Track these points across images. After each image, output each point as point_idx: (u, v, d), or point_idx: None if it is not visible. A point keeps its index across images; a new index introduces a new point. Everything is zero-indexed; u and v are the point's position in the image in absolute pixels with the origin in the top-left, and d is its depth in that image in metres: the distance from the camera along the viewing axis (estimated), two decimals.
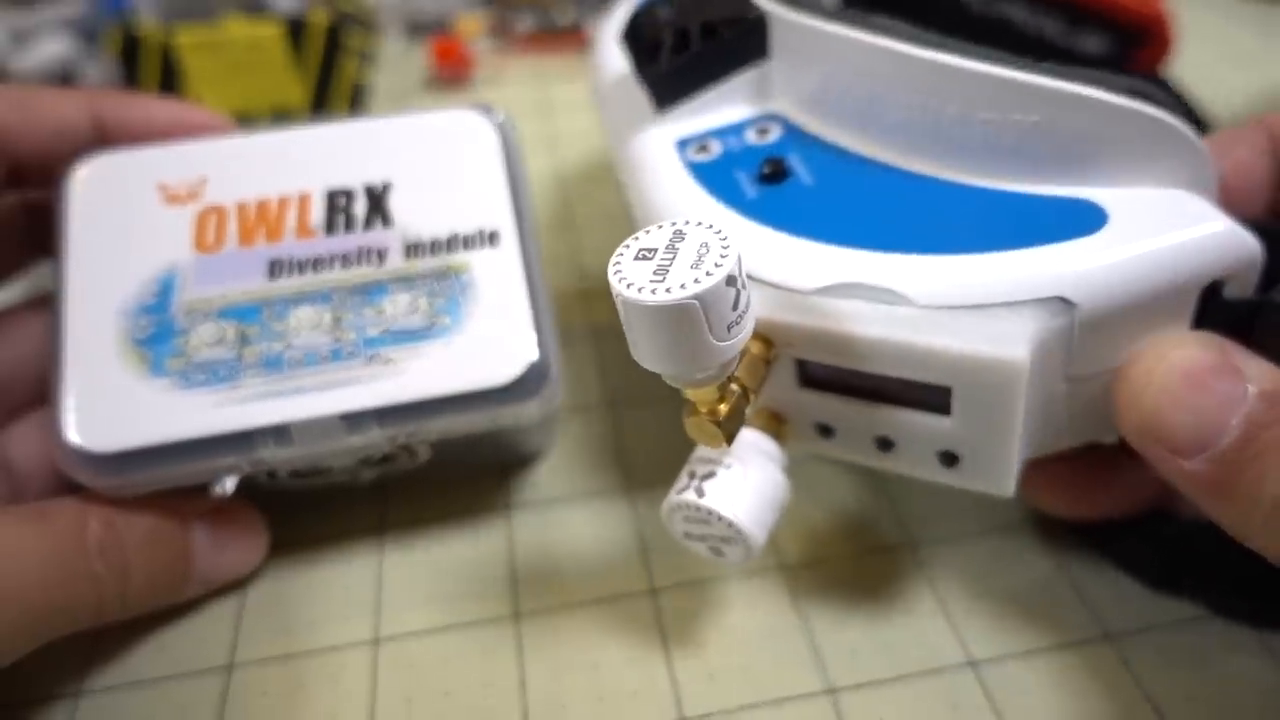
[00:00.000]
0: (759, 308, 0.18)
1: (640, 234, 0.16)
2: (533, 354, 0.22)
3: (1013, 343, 0.17)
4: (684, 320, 0.15)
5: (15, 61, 0.48)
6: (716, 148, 0.22)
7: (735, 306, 0.16)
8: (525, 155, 0.25)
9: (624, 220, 0.38)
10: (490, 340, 0.22)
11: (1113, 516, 0.23)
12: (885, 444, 0.19)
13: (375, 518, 0.26)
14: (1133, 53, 0.33)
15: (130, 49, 0.44)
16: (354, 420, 0.21)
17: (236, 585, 0.24)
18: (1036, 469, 0.22)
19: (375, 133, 0.24)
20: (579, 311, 0.33)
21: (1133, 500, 0.22)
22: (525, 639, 0.23)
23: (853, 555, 0.24)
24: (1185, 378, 0.17)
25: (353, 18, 0.47)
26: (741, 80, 0.23)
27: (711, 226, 0.16)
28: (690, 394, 0.17)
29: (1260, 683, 0.21)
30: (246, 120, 0.44)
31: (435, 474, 0.25)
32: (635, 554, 0.24)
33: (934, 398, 0.18)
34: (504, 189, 0.24)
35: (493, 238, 0.23)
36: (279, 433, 0.21)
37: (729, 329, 0.16)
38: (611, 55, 0.25)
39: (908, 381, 0.18)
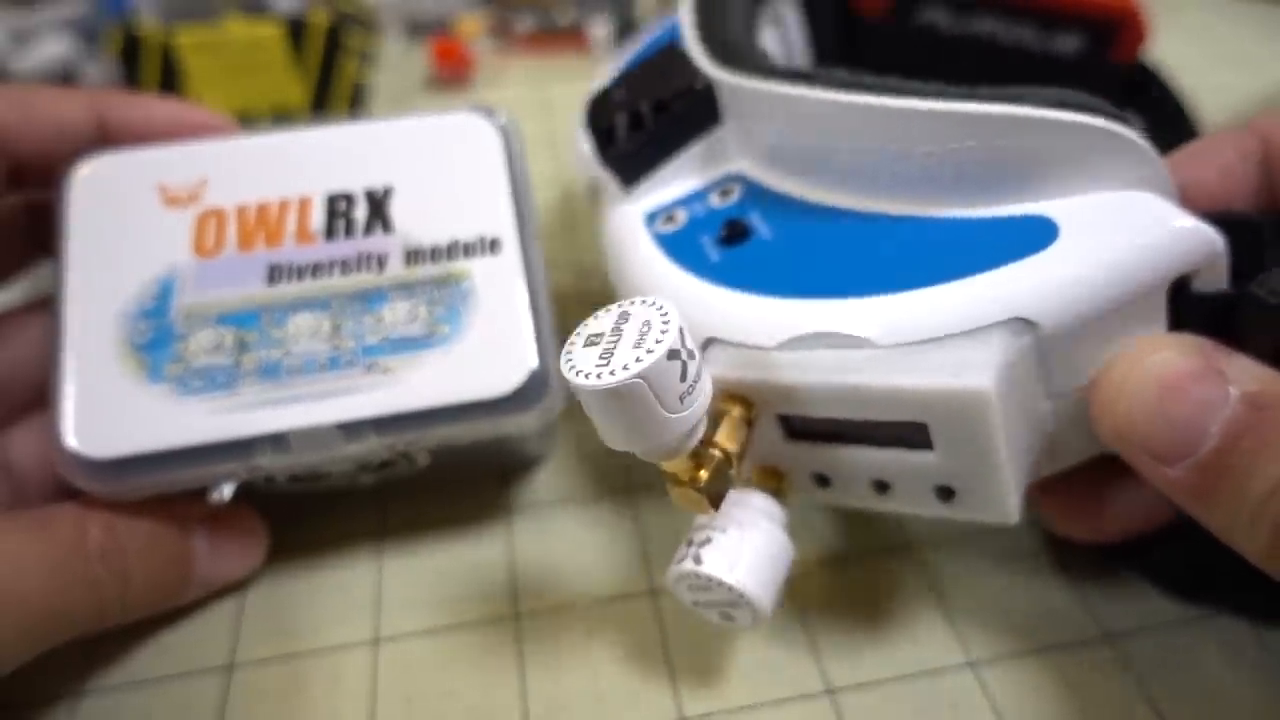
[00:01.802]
0: (730, 370, 0.19)
1: (589, 320, 0.17)
2: (533, 364, 0.22)
3: (976, 371, 0.16)
4: (632, 400, 0.16)
5: (15, 62, 0.48)
6: (682, 216, 0.23)
7: (684, 378, 0.16)
8: (526, 156, 0.25)
9: None
10: (490, 349, 0.22)
11: (1134, 535, 0.22)
12: (881, 486, 0.19)
13: (375, 520, 0.26)
14: (1109, 45, 0.33)
15: (130, 49, 0.44)
16: (352, 429, 0.21)
17: (236, 587, 0.24)
18: (1052, 497, 0.22)
19: (377, 135, 0.24)
20: (579, 313, 0.33)
21: (1153, 516, 0.22)
22: (525, 640, 0.23)
23: (853, 555, 0.24)
24: (1160, 384, 0.17)
25: (353, 18, 0.47)
26: (700, 147, 0.24)
27: (654, 304, 0.16)
28: (666, 467, 0.18)
29: (1260, 683, 0.21)
30: (247, 120, 0.44)
31: (435, 478, 0.25)
32: (635, 555, 0.24)
33: (915, 435, 0.18)
34: (506, 194, 0.24)
35: (494, 245, 0.23)
36: (277, 441, 0.21)
37: (681, 400, 0.16)
38: (584, 140, 0.26)
39: (886, 425, 0.18)
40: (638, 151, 0.24)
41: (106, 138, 0.24)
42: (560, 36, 0.53)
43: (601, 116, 0.25)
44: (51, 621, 0.20)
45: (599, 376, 0.15)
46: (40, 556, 0.20)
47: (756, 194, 0.22)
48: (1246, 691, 0.21)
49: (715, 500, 0.18)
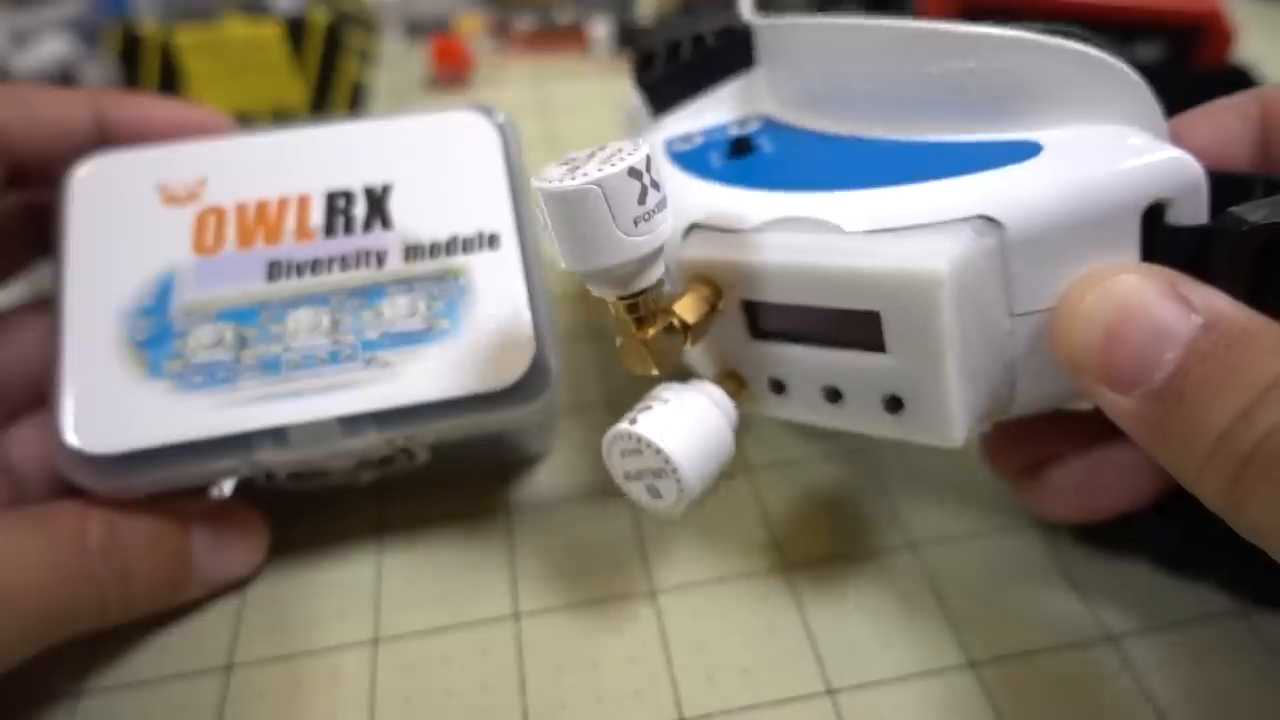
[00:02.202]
0: (705, 250, 0.20)
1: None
2: (532, 358, 0.22)
3: (932, 257, 0.16)
4: (586, 207, 0.16)
5: (15, 61, 0.48)
6: (699, 139, 0.24)
7: (642, 201, 0.17)
8: (525, 155, 0.25)
9: None
10: (489, 344, 0.22)
11: (1123, 513, 0.22)
12: (834, 395, 0.19)
13: (374, 518, 0.26)
14: (1192, 50, 0.33)
15: (130, 49, 0.44)
16: (351, 423, 0.21)
17: (236, 585, 0.24)
18: (1038, 482, 0.22)
19: (376, 133, 0.24)
20: (579, 312, 0.33)
21: (1142, 494, 0.22)
22: (525, 639, 0.23)
23: (853, 555, 0.24)
24: (1118, 306, 0.16)
25: (352, 17, 0.47)
26: (731, 88, 0.24)
27: (631, 140, 0.17)
28: (620, 313, 0.18)
29: (1260, 683, 0.21)
30: (246, 120, 0.44)
31: (435, 476, 0.25)
32: (635, 554, 0.24)
33: (869, 333, 0.18)
34: (505, 191, 0.24)
35: (493, 240, 0.23)
36: (277, 435, 0.21)
37: (636, 223, 0.17)
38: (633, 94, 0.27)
39: (844, 319, 0.18)
40: (669, 80, 0.24)
41: (106, 137, 0.24)
42: (560, 36, 0.53)
43: (646, 45, 0.26)
44: (52, 619, 0.20)
45: (560, 182, 0.16)
46: (41, 553, 0.20)
47: (772, 126, 0.23)
48: (1247, 691, 0.21)
49: (661, 363, 0.18)
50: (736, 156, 0.22)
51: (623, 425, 0.19)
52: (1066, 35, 0.18)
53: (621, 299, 0.18)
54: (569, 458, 0.27)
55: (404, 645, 0.23)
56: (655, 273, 0.18)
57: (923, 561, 0.24)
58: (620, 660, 0.22)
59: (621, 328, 0.19)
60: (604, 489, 0.26)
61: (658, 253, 0.18)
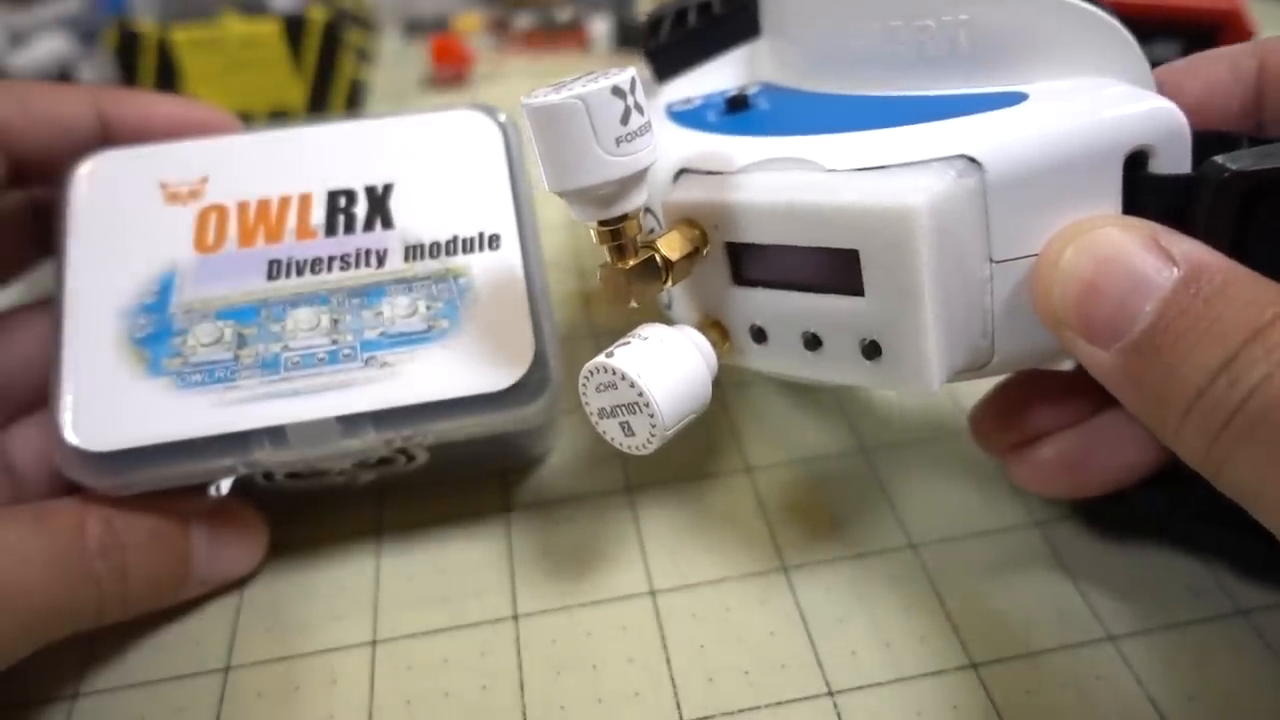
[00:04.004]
0: (692, 192, 0.20)
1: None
2: (532, 359, 0.22)
3: (909, 193, 0.17)
4: (570, 120, 0.16)
5: (12, 60, 0.48)
6: (699, 101, 0.24)
7: (625, 122, 0.17)
8: (525, 154, 0.25)
9: None
10: (489, 345, 0.22)
11: (1115, 488, 0.22)
12: (814, 341, 0.19)
13: (373, 519, 0.26)
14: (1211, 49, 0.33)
15: (128, 47, 0.44)
16: (350, 423, 0.21)
17: (234, 586, 0.24)
18: (1029, 458, 0.22)
19: (378, 132, 0.24)
20: (579, 312, 0.33)
21: (1131, 470, 0.22)
22: (524, 640, 0.22)
23: (852, 555, 0.24)
24: (1097, 257, 0.16)
25: (351, 15, 0.47)
26: (735, 55, 0.25)
27: (624, 68, 0.17)
28: (602, 240, 0.18)
29: (1260, 683, 0.21)
30: (244, 118, 0.44)
31: (434, 476, 0.25)
32: (635, 554, 0.24)
33: (848, 276, 0.18)
34: (506, 191, 0.24)
35: (493, 241, 0.23)
36: (275, 435, 0.21)
37: (618, 143, 0.17)
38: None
39: (824, 260, 0.18)
40: (674, 46, 0.25)
41: (107, 134, 0.24)
42: (559, 34, 0.53)
43: (658, 12, 0.26)
44: (50, 616, 0.20)
45: (545, 97, 0.17)
46: (39, 550, 0.20)
47: (771, 89, 0.23)
48: (1247, 691, 0.21)
49: (640, 295, 0.19)
50: (732, 112, 0.22)
51: (600, 359, 0.18)
52: None
53: (603, 224, 0.18)
54: (569, 458, 0.27)
55: (403, 646, 0.23)
56: (637, 199, 0.18)
57: (923, 561, 0.24)
58: (620, 661, 0.22)
59: (604, 263, 0.19)
60: (604, 489, 0.26)
61: (639, 176, 0.18)
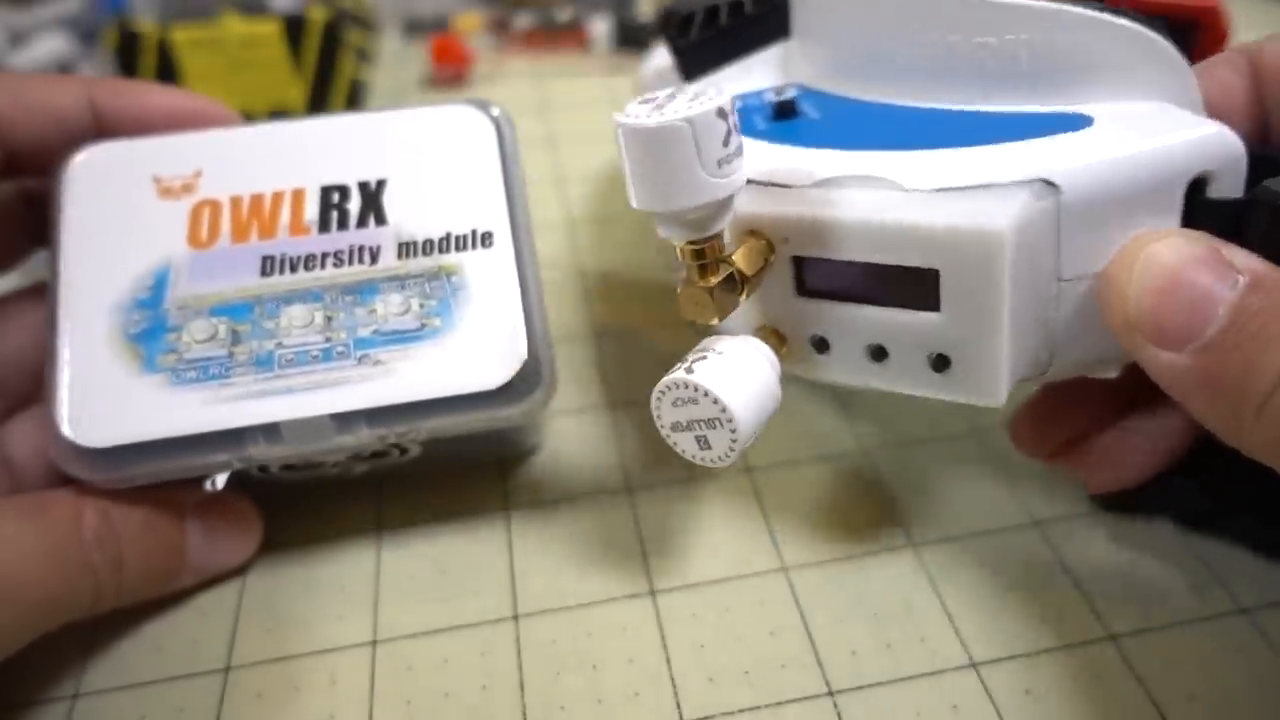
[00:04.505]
0: (760, 205, 0.19)
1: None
2: (524, 357, 0.22)
3: (995, 216, 0.17)
4: (676, 143, 0.16)
5: (13, 60, 0.48)
6: (737, 104, 0.24)
7: (726, 143, 0.17)
8: (523, 154, 0.25)
9: (622, 220, 0.37)
10: (482, 342, 0.22)
11: (1152, 475, 0.23)
12: (879, 353, 0.20)
13: (372, 517, 0.26)
14: (1190, 47, 0.33)
15: (128, 47, 0.44)
16: (344, 421, 0.21)
17: (233, 584, 0.24)
18: (1077, 452, 0.23)
19: (371, 128, 0.24)
20: (579, 312, 0.33)
21: (1168, 455, 0.22)
22: (524, 640, 0.22)
23: (853, 555, 0.24)
24: (1168, 266, 0.17)
25: (351, 15, 0.47)
26: (766, 56, 0.25)
27: (709, 83, 0.17)
28: (686, 258, 0.18)
29: (1261, 683, 0.21)
30: (245, 118, 0.44)
31: (429, 469, 0.25)
32: (635, 554, 0.24)
33: (923, 293, 0.18)
34: (499, 187, 0.24)
35: (486, 238, 0.23)
36: (269, 431, 0.21)
37: (719, 165, 0.17)
38: (660, 53, 0.27)
39: (898, 277, 0.18)
40: (705, 44, 0.24)
41: (102, 126, 0.24)
42: (559, 34, 0.53)
43: (683, 6, 0.25)
44: (48, 607, 0.20)
45: (648, 118, 0.16)
46: (35, 541, 0.20)
47: (811, 93, 0.23)
48: (1247, 691, 0.21)
49: (722, 312, 0.19)
50: (781, 119, 0.22)
51: (678, 374, 0.18)
52: (1118, 13, 0.19)
53: (691, 244, 0.18)
54: (569, 458, 0.27)
55: (403, 646, 0.22)
56: (726, 219, 0.18)
57: (923, 561, 0.24)
58: (620, 661, 0.22)
59: (686, 279, 0.19)
60: (604, 489, 0.26)
61: (732, 198, 0.18)
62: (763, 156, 0.21)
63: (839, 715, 0.20)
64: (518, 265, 0.23)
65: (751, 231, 0.20)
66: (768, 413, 0.19)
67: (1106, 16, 0.19)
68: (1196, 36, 0.34)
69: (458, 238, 0.23)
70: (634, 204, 0.17)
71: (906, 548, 0.24)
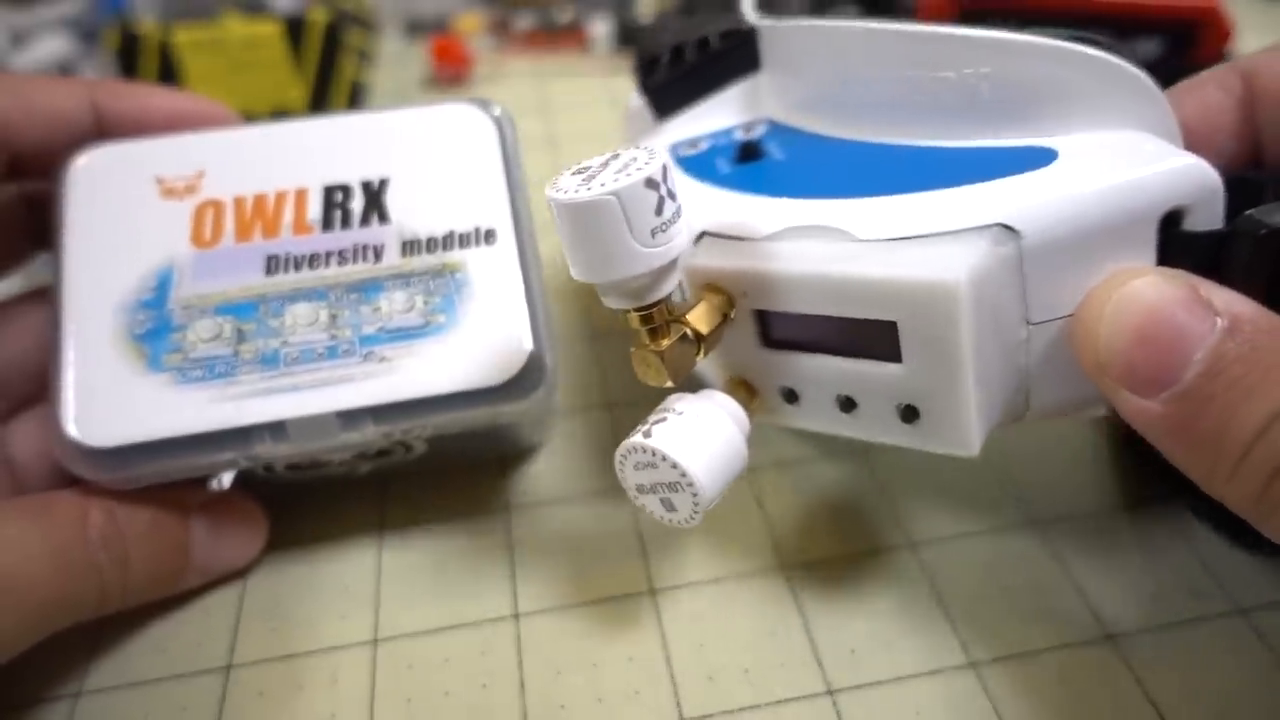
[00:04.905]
0: (717, 259, 0.19)
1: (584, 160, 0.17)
2: (529, 352, 0.22)
3: (949, 267, 0.16)
4: (603, 218, 0.16)
5: (14, 61, 0.48)
6: (705, 144, 0.23)
7: (659, 212, 0.16)
8: (524, 154, 0.25)
9: None
10: (486, 339, 0.22)
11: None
12: (848, 404, 0.19)
13: (374, 516, 0.26)
14: (1191, 47, 0.33)
15: (129, 48, 0.44)
16: (350, 418, 0.21)
17: (235, 583, 0.24)
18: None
19: (373, 126, 0.24)
20: (579, 311, 0.33)
21: None
22: (525, 639, 0.23)
23: (853, 555, 0.24)
24: (1144, 308, 0.16)
25: (352, 16, 0.47)
26: (736, 91, 0.24)
27: (645, 147, 0.17)
28: (633, 324, 0.18)
29: (1260, 683, 0.21)
30: (246, 119, 0.44)
31: (432, 467, 0.25)
32: (635, 554, 0.24)
33: (884, 344, 0.18)
34: (501, 185, 0.24)
35: (489, 236, 0.23)
36: (275, 429, 0.21)
37: (653, 234, 0.16)
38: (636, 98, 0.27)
39: (858, 329, 0.18)
40: (675, 83, 0.24)
41: (103, 127, 0.24)
42: (559, 35, 0.53)
43: (650, 48, 0.25)
44: (54, 607, 0.20)
45: (576, 193, 0.16)
46: (41, 541, 0.20)
47: (779, 130, 0.23)
48: (1247, 692, 0.21)
49: (675, 374, 0.18)
50: (745, 162, 0.22)
51: (636, 438, 0.18)
52: (1084, 41, 0.18)
53: (636, 310, 0.18)
54: (570, 458, 0.27)
55: (404, 645, 0.23)
56: (670, 284, 0.18)
57: (923, 561, 0.24)
58: (620, 660, 0.22)
59: (636, 340, 0.18)
60: (604, 489, 0.26)
61: (673, 264, 0.17)
62: (722, 207, 0.20)
63: (838, 714, 0.21)
64: (520, 262, 0.23)
65: (710, 285, 0.20)
66: (733, 472, 0.19)
67: (1069, 46, 0.18)
68: (1198, 37, 0.34)
69: (461, 235, 0.23)
70: (573, 275, 0.17)
71: (906, 548, 0.24)
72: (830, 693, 0.21)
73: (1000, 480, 0.26)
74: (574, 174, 0.17)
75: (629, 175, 0.16)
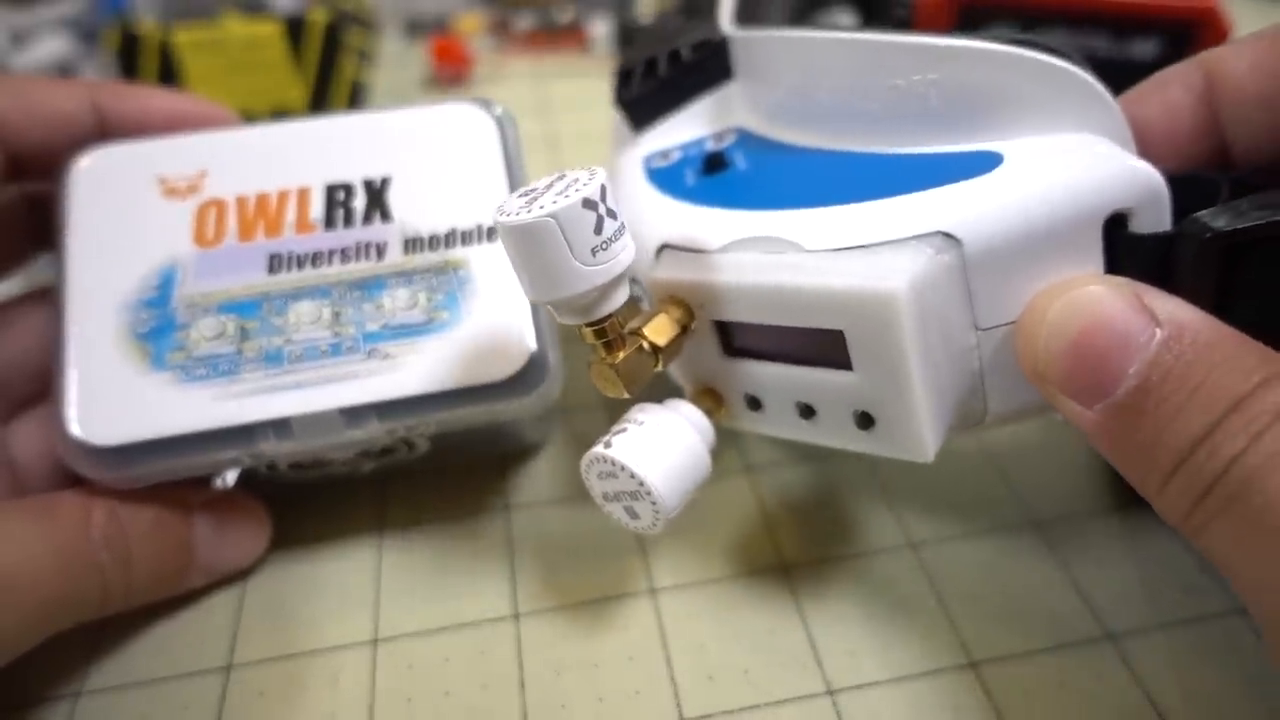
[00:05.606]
0: (675, 271, 0.20)
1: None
2: (531, 349, 0.22)
3: (889, 276, 0.17)
4: (543, 238, 0.16)
5: (14, 61, 0.48)
6: (676, 155, 0.24)
7: (599, 231, 0.17)
8: (525, 153, 0.25)
9: None
10: (489, 335, 0.22)
11: None
12: (807, 411, 0.20)
13: (375, 516, 0.26)
14: (1189, 47, 0.33)
15: (129, 48, 0.44)
16: (354, 415, 0.21)
17: (236, 582, 0.24)
18: None
19: (375, 126, 0.24)
20: None
21: None
22: (525, 639, 0.23)
23: (853, 555, 0.24)
24: (1081, 317, 0.16)
25: (352, 16, 0.47)
26: (709, 101, 0.25)
27: (588, 169, 0.17)
28: (588, 338, 0.18)
29: (1260, 683, 0.21)
30: (247, 119, 0.44)
31: (435, 466, 0.25)
32: (635, 554, 0.24)
33: (835, 351, 0.18)
34: (503, 183, 0.24)
35: (491, 233, 0.23)
36: (279, 427, 0.21)
37: (594, 253, 0.17)
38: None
39: (810, 337, 0.18)
40: (649, 95, 0.25)
41: (104, 128, 0.24)
42: (559, 35, 0.53)
43: (625, 61, 0.26)
44: (56, 607, 0.20)
45: (517, 215, 0.16)
46: (45, 541, 0.20)
47: (747, 139, 0.23)
48: (1247, 692, 0.21)
49: (630, 385, 0.19)
50: (709, 173, 0.22)
51: (597, 449, 0.19)
52: (1029, 45, 0.18)
53: (588, 325, 0.18)
54: (570, 458, 0.27)
55: (404, 645, 0.23)
56: (618, 299, 0.18)
57: (923, 561, 0.24)
58: (620, 660, 0.22)
59: (593, 354, 0.19)
60: None
61: (619, 280, 0.18)
62: (683, 220, 0.21)
63: (838, 714, 0.21)
64: None
65: (671, 297, 0.20)
66: (695, 482, 0.19)
67: (1012, 50, 0.18)
68: (1196, 36, 0.34)
69: (463, 233, 0.23)
70: (525, 294, 0.18)
71: (906, 548, 0.24)
72: (830, 693, 0.21)
73: (1000, 480, 0.26)
74: (520, 196, 0.17)
75: (567, 196, 0.16)
